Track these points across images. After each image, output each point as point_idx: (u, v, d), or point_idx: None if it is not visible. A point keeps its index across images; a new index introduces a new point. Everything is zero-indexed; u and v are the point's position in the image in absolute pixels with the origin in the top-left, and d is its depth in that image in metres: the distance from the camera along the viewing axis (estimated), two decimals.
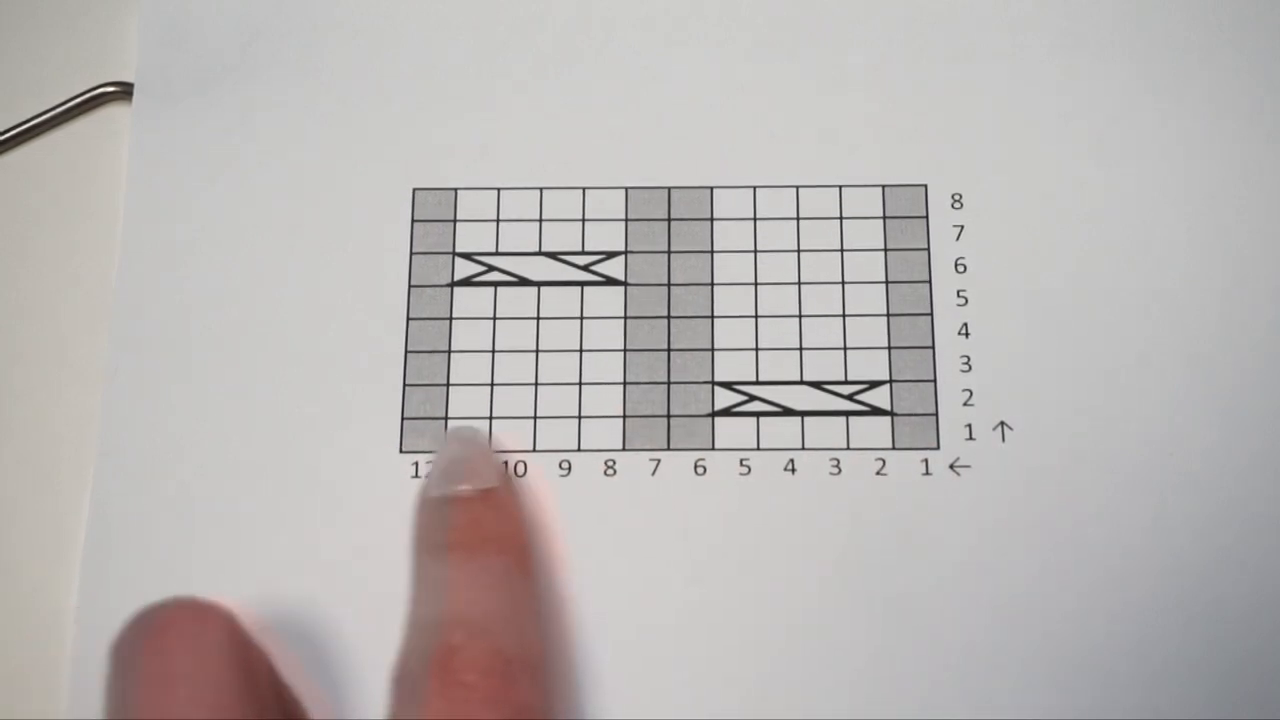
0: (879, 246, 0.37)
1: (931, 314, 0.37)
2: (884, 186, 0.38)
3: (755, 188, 0.38)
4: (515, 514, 0.34)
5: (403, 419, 0.36)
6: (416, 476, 0.36)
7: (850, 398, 0.36)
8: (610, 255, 0.38)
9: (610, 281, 0.37)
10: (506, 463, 0.36)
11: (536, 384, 0.37)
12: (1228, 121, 0.38)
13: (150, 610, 0.30)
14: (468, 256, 0.38)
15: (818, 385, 0.36)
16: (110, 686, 0.30)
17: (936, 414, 0.36)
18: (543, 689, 0.31)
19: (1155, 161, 0.38)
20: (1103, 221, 0.37)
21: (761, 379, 0.36)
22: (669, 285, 0.37)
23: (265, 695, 0.30)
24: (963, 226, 0.38)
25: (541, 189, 0.38)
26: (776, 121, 0.39)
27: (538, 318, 0.37)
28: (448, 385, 0.37)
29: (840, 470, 0.36)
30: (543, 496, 0.35)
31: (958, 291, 0.37)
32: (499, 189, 0.38)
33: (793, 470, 0.36)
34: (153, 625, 0.30)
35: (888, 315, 0.37)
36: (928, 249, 0.37)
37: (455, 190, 0.38)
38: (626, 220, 0.38)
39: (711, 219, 0.38)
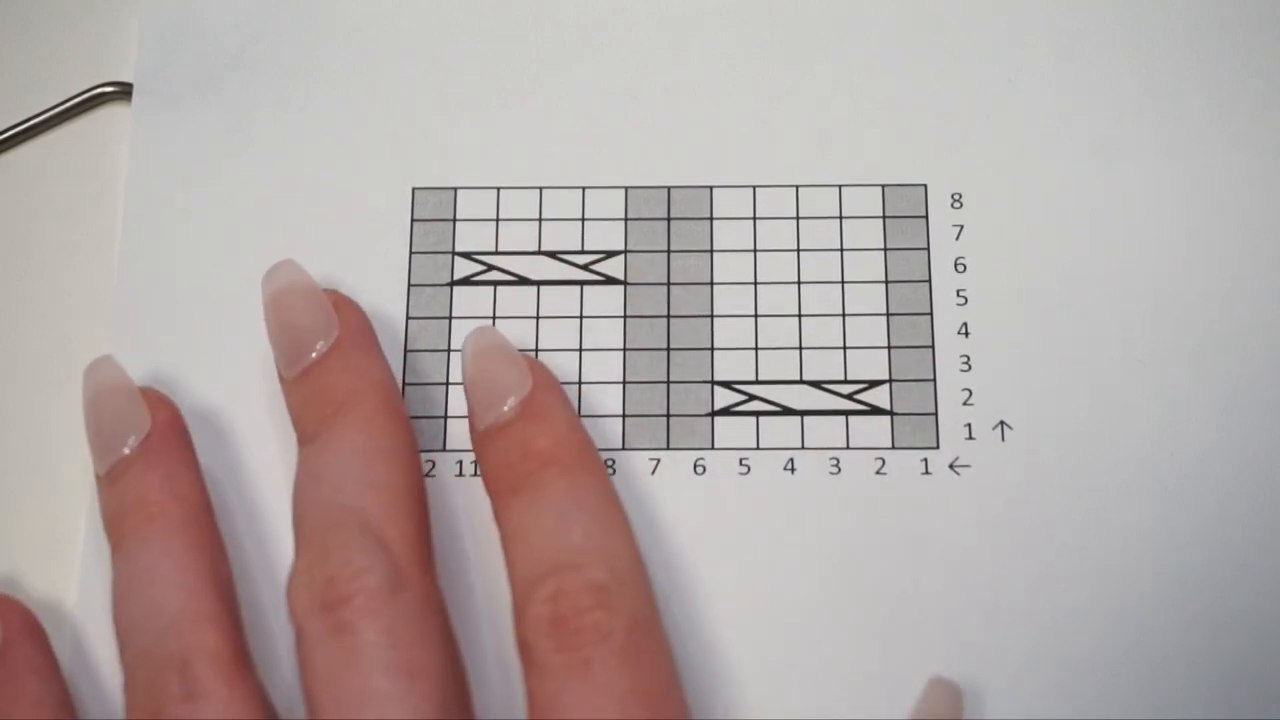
0: (879, 246, 0.37)
1: (931, 313, 0.37)
2: (884, 186, 0.38)
3: (755, 187, 0.38)
4: (559, 417, 0.33)
5: None
6: None
7: (850, 397, 0.36)
8: (610, 254, 0.38)
9: (610, 281, 0.37)
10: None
11: None
12: (1228, 122, 0.38)
13: None
14: (467, 255, 0.38)
15: (817, 385, 0.36)
16: None
17: (936, 413, 0.36)
18: (646, 593, 0.30)
19: (1155, 161, 0.38)
20: (1103, 221, 0.37)
21: (761, 378, 0.36)
22: (668, 284, 0.37)
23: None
24: (962, 226, 0.38)
25: (541, 188, 0.38)
26: (776, 121, 0.39)
27: (537, 317, 0.37)
28: (447, 384, 0.37)
29: (840, 470, 0.36)
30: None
31: (957, 291, 0.37)
32: (499, 188, 0.38)
33: (792, 470, 0.36)
34: None
35: (887, 315, 0.37)
36: (927, 248, 0.37)
37: (455, 189, 0.38)
38: (626, 220, 0.38)
39: (711, 218, 0.38)
